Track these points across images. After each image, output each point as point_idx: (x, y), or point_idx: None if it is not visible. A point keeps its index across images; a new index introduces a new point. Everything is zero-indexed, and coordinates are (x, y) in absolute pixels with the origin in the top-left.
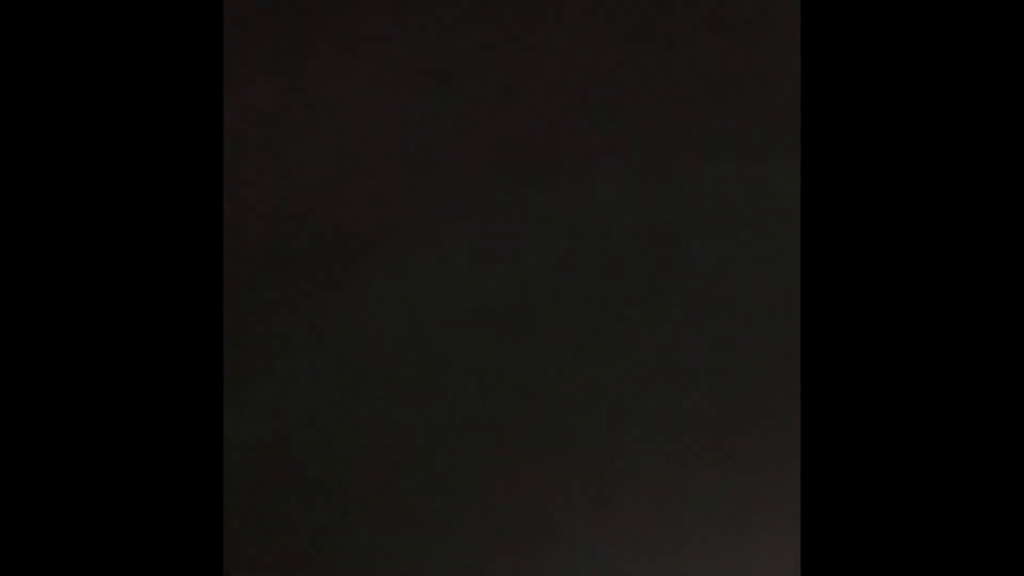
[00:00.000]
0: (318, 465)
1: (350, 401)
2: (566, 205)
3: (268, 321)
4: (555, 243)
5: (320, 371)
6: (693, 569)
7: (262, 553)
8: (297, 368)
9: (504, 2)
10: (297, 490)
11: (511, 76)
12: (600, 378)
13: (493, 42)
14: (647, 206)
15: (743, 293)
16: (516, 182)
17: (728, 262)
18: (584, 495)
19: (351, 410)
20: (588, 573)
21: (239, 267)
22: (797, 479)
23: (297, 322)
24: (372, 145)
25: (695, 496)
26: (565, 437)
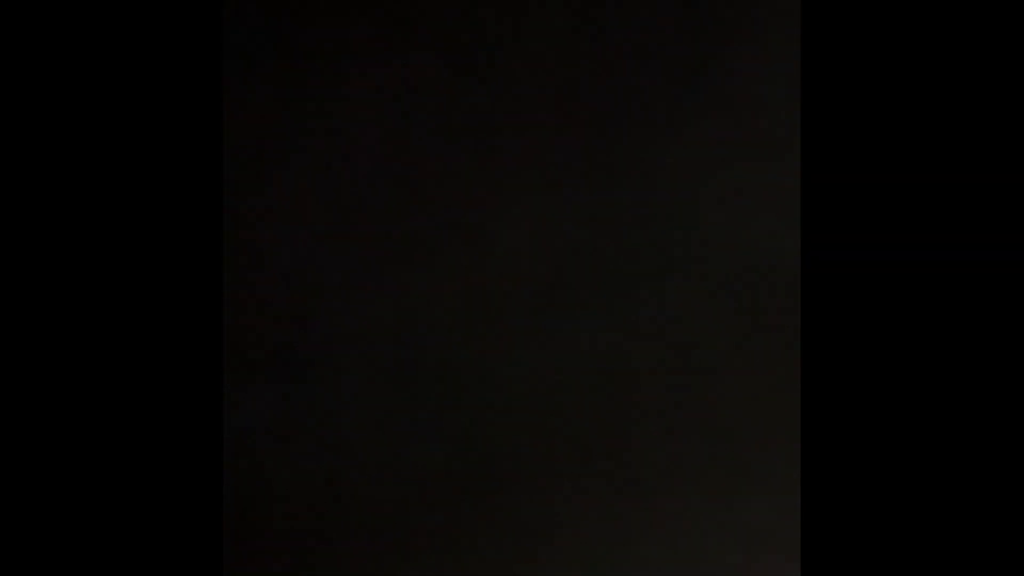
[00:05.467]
0: (318, 465)
1: (350, 401)
2: (566, 210)
3: (268, 321)
4: (556, 246)
5: (320, 371)
6: (693, 569)
7: (262, 553)
8: (297, 368)
9: (503, 8)
10: (297, 490)
11: (509, 79)
12: (599, 378)
13: (494, 50)
14: (646, 207)
15: (744, 294)
16: (517, 185)
17: (728, 263)
18: (584, 495)
19: (351, 410)
20: (587, 571)
21: (239, 268)
22: (797, 480)
23: (298, 322)
24: (373, 146)
25: (694, 496)
26: (564, 438)
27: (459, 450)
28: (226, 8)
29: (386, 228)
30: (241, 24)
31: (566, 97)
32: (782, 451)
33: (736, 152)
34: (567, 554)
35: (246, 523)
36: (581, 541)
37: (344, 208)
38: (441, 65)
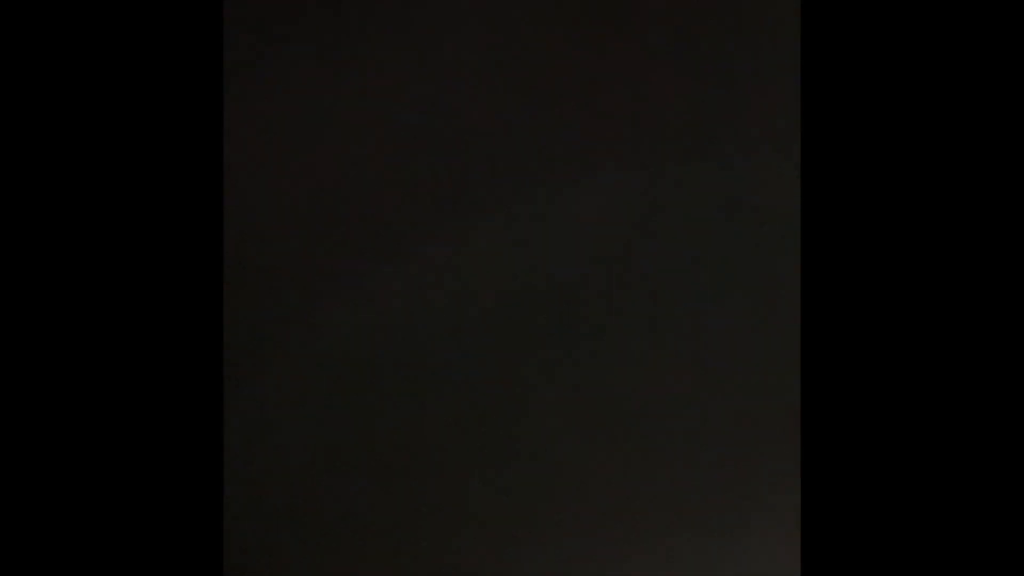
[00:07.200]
0: (319, 465)
1: (350, 401)
2: (565, 206)
3: (268, 321)
4: (555, 244)
5: (320, 371)
6: (693, 570)
7: (262, 553)
8: (297, 368)
9: (500, 4)
10: (297, 490)
11: (507, 77)
12: (599, 378)
13: (491, 42)
14: (646, 205)
15: (743, 293)
16: (515, 183)
17: (727, 262)
18: (583, 495)
19: (351, 410)
20: (587, 573)
21: (239, 267)
22: (797, 479)
23: (298, 322)
24: (372, 145)
25: (695, 497)
26: (565, 438)
27: (460, 450)
28: (227, 3)
29: (387, 225)
30: (242, 17)
31: (568, 96)
32: (782, 451)
33: (736, 153)
34: (567, 556)
35: (246, 522)
36: (578, 540)
37: (345, 205)
38: (440, 62)
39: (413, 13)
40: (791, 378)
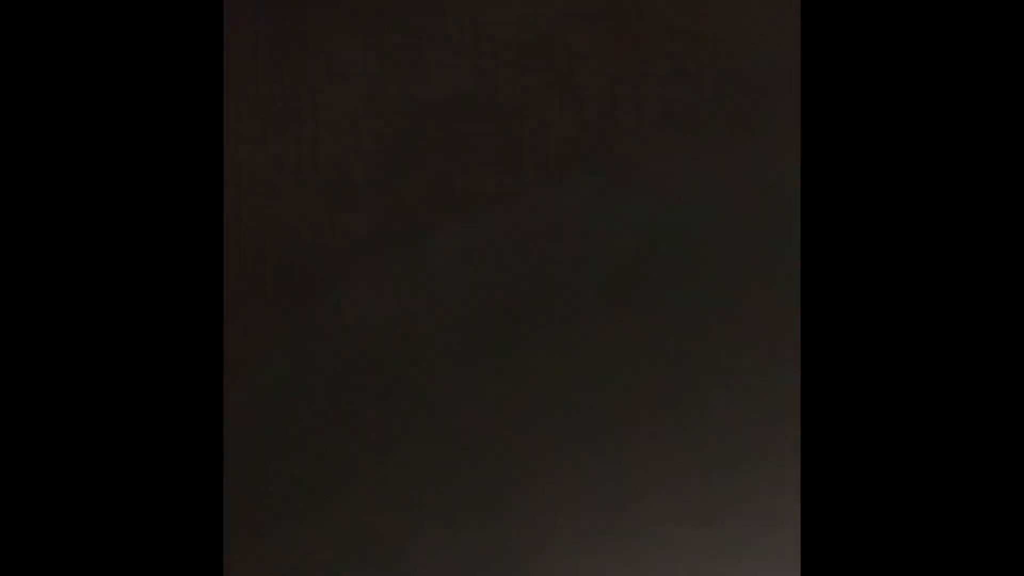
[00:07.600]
0: (318, 463)
1: (350, 400)
2: (562, 205)
3: (268, 320)
4: (553, 242)
5: (319, 371)
6: (693, 570)
7: (262, 552)
8: (296, 367)
9: (512, 2)
10: (297, 488)
11: (508, 75)
12: (598, 378)
13: (489, 41)
14: (645, 203)
15: (743, 292)
16: (513, 181)
17: (728, 260)
18: (582, 495)
19: (351, 409)
20: (587, 572)
21: (239, 268)
22: (797, 479)
23: (296, 322)
24: (371, 146)
25: (695, 498)
26: (563, 437)
27: (461, 449)
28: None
29: (388, 223)
30: (242, 14)
31: (566, 96)
32: (782, 451)
33: (735, 147)
34: (566, 556)
35: (246, 522)
36: (578, 543)
37: (345, 203)
38: (445, 59)
39: (423, 7)
40: (791, 376)
